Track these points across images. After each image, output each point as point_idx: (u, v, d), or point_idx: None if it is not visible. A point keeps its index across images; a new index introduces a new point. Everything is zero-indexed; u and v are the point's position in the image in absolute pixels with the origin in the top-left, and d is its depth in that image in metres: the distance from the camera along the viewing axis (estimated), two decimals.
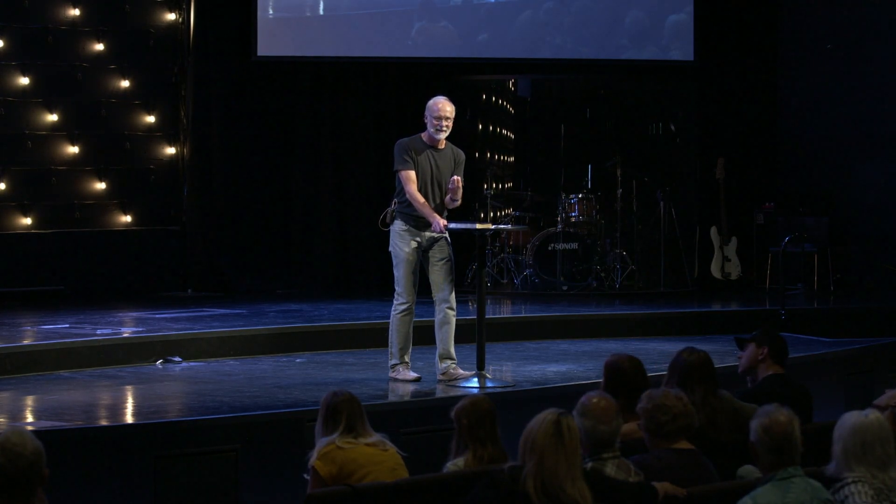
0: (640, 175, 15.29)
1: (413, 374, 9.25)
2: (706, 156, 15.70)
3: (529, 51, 15.28)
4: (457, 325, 9.32)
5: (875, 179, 15.25)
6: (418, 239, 9.12)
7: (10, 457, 3.98)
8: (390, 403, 8.45)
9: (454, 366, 9.21)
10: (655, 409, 5.36)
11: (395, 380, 9.23)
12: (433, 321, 9.31)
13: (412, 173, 9.02)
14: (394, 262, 9.20)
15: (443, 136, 9.08)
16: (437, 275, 9.19)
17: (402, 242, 9.13)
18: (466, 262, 14.65)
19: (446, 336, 9.22)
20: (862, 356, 10.70)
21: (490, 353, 9.37)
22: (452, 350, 9.24)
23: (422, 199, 8.99)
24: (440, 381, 9.21)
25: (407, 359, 9.28)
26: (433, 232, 9.09)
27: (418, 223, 9.10)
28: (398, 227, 9.13)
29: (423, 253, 9.17)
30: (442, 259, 9.18)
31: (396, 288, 9.21)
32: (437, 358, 9.28)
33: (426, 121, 9.09)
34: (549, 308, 13.13)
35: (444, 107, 9.00)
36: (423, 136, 9.15)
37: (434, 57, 15.10)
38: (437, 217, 8.98)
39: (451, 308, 9.23)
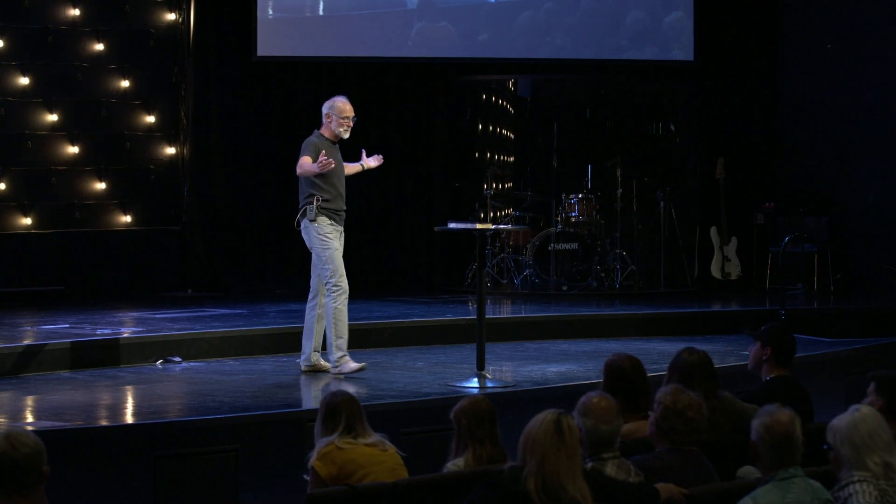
0: (640, 175, 15.28)
1: (357, 365, 9.40)
2: (706, 156, 15.70)
3: (529, 51, 15.28)
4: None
5: (875, 179, 15.25)
6: (338, 233, 9.48)
7: (14, 445, 4.00)
8: (390, 403, 8.44)
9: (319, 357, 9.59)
10: (676, 414, 5.34)
11: (342, 373, 9.34)
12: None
13: (311, 160, 9.34)
14: (323, 257, 9.39)
15: (348, 134, 9.55)
16: None
17: (329, 236, 9.41)
18: (466, 262, 14.67)
19: (323, 327, 9.57)
20: (862, 356, 10.69)
21: (490, 353, 9.37)
22: None
23: (311, 165, 9.31)
24: (306, 371, 9.56)
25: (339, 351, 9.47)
26: (343, 221, 9.49)
27: (339, 218, 9.48)
28: (324, 222, 9.40)
29: None
30: (342, 254, 9.55)
31: (331, 280, 9.35)
32: (309, 349, 9.55)
33: (329, 119, 9.49)
34: (549, 308, 13.13)
35: (350, 108, 9.53)
36: (326, 133, 9.54)
37: (434, 57, 15.10)
38: (319, 162, 9.23)
39: None
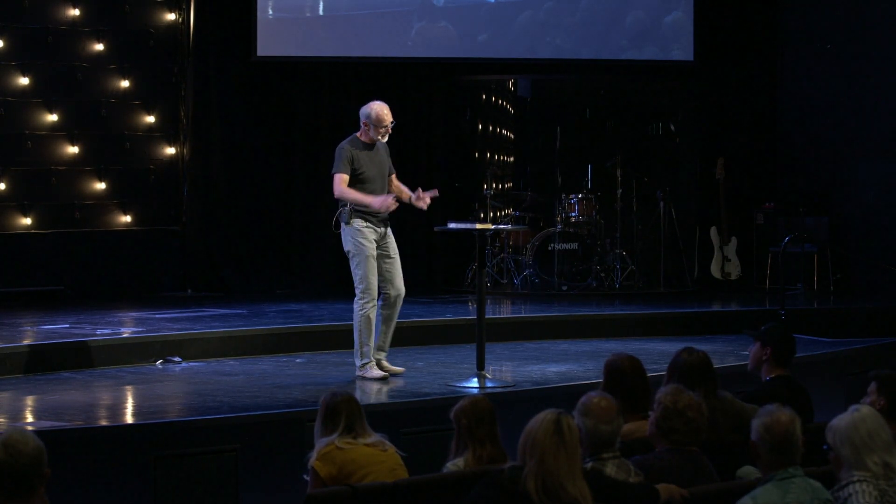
0: (640, 175, 15.28)
1: (380, 373, 9.35)
2: (706, 156, 15.70)
3: (529, 51, 15.28)
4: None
5: (875, 179, 15.25)
6: (375, 237, 9.37)
7: (12, 454, 3.99)
8: (390, 403, 8.45)
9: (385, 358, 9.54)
10: (676, 414, 5.35)
11: (364, 378, 9.30)
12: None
13: (346, 177, 9.32)
14: (355, 261, 9.35)
15: (385, 139, 9.44)
16: (394, 270, 9.44)
17: (363, 239, 9.33)
18: (466, 262, 14.67)
19: (391, 329, 9.50)
20: (862, 356, 10.70)
21: (490, 353, 9.37)
22: None
23: (353, 194, 9.27)
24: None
25: (373, 356, 9.38)
26: (382, 222, 9.36)
27: (377, 219, 9.36)
28: (358, 224, 9.33)
29: (378, 249, 9.41)
30: (396, 253, 9.46)
31: (359, 286, 9.33)
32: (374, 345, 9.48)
33: (367, 127, 9.38)
34: (549, 308, 13.13)
35: (388, 116, 9.39)
36: (361, 136, 9.45)
37: (434, 57, 15.10)
38: (377, 197, 9.24)
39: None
